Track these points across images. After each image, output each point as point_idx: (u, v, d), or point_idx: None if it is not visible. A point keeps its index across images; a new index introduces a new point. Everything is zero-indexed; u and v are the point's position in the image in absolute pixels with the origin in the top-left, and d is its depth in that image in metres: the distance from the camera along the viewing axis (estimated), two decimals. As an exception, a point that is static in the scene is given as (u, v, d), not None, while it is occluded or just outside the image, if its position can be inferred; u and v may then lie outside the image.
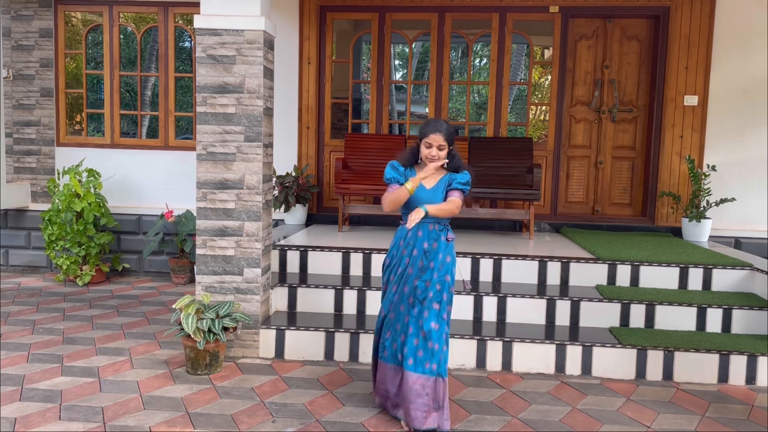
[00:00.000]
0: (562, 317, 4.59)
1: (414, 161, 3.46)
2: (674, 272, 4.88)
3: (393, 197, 3.35)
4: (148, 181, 6.96)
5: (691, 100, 6.38)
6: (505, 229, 6.64)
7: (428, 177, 3.39)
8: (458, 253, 5.04)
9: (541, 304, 4.60)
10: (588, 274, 4.95)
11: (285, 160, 6.71)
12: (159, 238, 6.44)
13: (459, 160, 3.45)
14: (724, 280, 4.86)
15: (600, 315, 4.57)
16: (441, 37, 6.70)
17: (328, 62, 6.82)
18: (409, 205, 3.36)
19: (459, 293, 4.61)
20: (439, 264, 3.35)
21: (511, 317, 4.64)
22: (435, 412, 3.30)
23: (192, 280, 6.60)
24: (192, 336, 3.96)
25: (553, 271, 4.97)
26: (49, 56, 6.94)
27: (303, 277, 5.02)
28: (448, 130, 3.35)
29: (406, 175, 3.42)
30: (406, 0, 6.63)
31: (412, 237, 3.39)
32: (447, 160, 3.39)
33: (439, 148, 3.33)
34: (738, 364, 4.13)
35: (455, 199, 3.35)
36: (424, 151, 3.36)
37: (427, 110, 6.96)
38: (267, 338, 4.41)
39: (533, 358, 4.27)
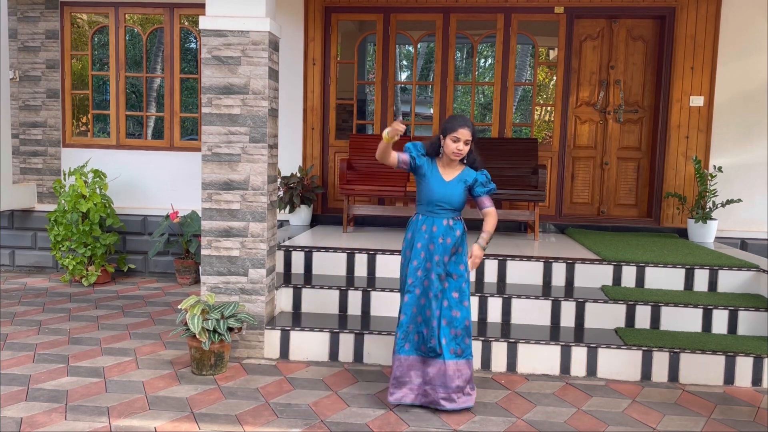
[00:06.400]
0: (567, 318, 4.58)
1: (435, 153, 3.60)
2: (680, 273, 4.87)
3: (378, 148, 3.49)
4: (153, 181, 6.98)
5: (697, 101, 6.36)
6: (509, 229, 6.63)
7: (446, 168, 3.57)
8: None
9: (546, 305, 4.59)
10: (593, 275, 4.94)
11: (290, 161, 6.72)
12: (164, 239, 6.46)
13: (476, 155, 3.61)
14: (730, 281, 4.84)
15: (605, 316, 4.56)
16: (446, 38, 6.70)
17: (332, 63, 6.83)
18: (428, 194, 3.54)
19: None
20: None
21: (516, 318, 4.63)
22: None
23: (197, 281, 6.61)
24: (197, 336, 3.96)
25: (558, 272, 4.96)
26: (55, 57, 6.97)
27: (308, 277, 5.02)
28: (474, 127, 3.53)
29: (422, 161, 3.57)
30: (411, 1, 6.63)
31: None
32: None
33: (465, 143, 3.49)
34: (744, 365, 4.12)
35: (491, 210, 3.61)
36: (450, 146, 3.49)
37: (431, 111, 6.95)
38: (272, 339, 4.42)
39: (538, 359, 4.26)
